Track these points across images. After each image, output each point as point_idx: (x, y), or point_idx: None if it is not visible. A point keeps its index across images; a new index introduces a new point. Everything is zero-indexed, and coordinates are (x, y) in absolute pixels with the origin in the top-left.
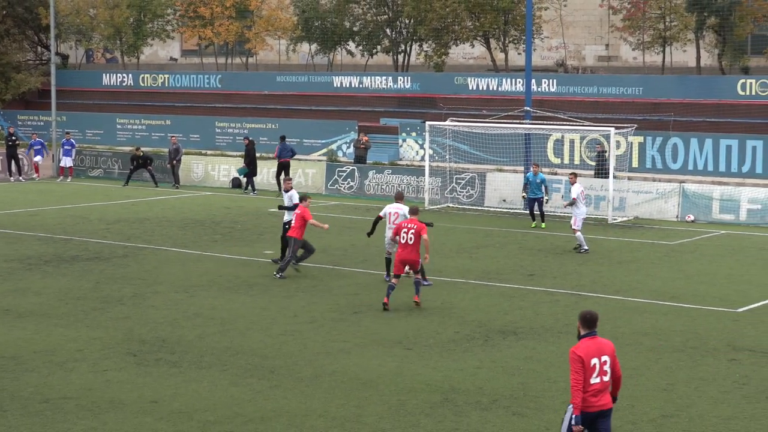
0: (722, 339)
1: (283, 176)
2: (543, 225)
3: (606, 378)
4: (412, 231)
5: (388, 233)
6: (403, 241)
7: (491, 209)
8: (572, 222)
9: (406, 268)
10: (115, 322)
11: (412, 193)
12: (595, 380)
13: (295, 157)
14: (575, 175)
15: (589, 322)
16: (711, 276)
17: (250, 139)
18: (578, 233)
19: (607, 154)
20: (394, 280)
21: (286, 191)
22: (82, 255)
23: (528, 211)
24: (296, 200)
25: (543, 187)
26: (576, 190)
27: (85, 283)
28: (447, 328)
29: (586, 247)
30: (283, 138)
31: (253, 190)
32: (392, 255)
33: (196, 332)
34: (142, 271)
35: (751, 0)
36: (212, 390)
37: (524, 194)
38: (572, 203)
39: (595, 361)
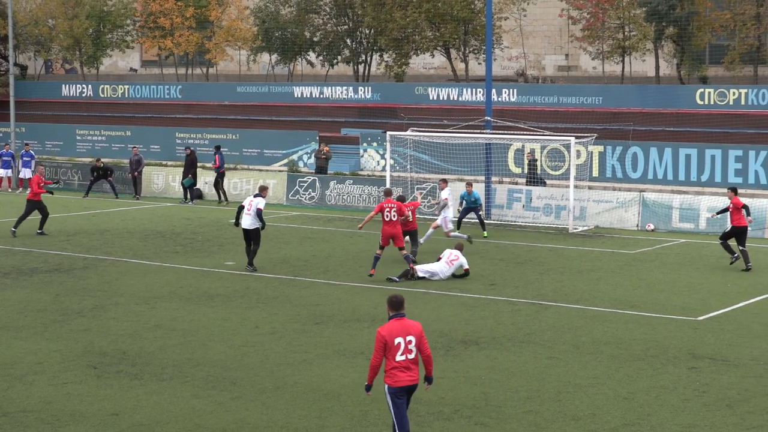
0: (682, 347)
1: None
2: (485, 234)
3: (411, 356)
4: (394, 209)
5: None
6: (387, 219)
7: (453, 220)
8: (443, 226)
9: (391, 242)
10: (75, 335)
11: (373, 203)
12: (400, 357)
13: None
14: (445, 181)
15: (396, 304)
16: (671, 285)
17: (192, 149)
18: (453, 233)
19: (537, 162)
20: (379, 251)
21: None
22: (42, 267)
23: (458, 219)
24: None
25: (478, 205)
26: (445, 194)
27: (44, 295)
28: None
29: (464, 235)
30: (218, 147)
31: (192, 200)
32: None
33: (157, 344)
34: (103, 283)
35: (708, 10)
36: (173, 402)
37: (459, 208)
38: (444, 206)
39: (399, 340)
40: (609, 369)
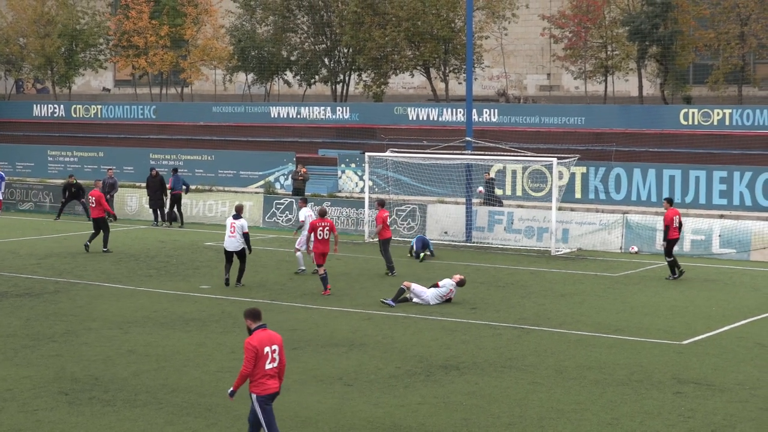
0: (667, 372)
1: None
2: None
3: (275, 365)
4: (327, 228)
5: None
6: (320, 237)
7: (432, 241)
8: (297, 243)
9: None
10: (46, 360)
11: (351, 226)
12: (269, 366)
13: (189, 191)
14: (305, 200)
15: (257, 315)
16: (655, 308)
17: (157, 170)
18: (298, 253)
19: (494, 183)
20: (321, 270)
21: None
22: (12, 291)
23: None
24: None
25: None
26: (304, 213)
27: (14, 320)
28: (388, 364)
29: (302, 268)
30: (175, 170)
31: (163, 221)
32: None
33: (130, 369)
34: (75, 307)
35: (692, 29)
36: (147, 429)
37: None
38: (301, 227)
39: (267, 349)
40: (592, 394)
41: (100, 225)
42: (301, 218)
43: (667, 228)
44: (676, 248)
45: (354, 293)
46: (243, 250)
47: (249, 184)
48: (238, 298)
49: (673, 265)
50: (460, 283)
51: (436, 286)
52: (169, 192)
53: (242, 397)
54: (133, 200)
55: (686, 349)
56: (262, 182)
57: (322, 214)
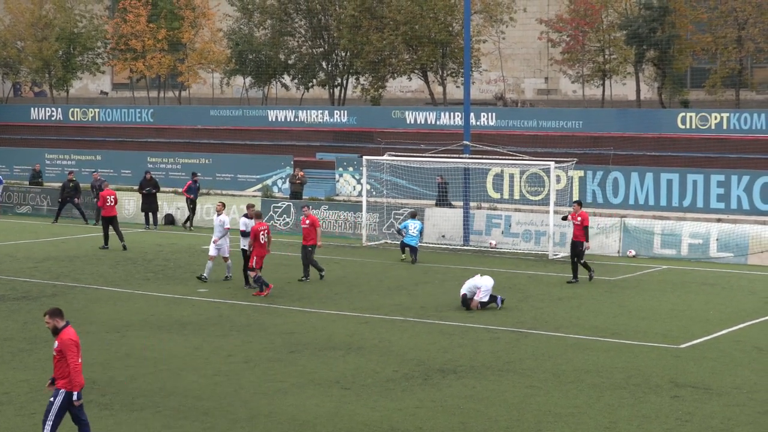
0: (665, 376)
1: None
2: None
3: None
4: (266, 231)
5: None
6: (262, 241)
7: (430, 245)
8: (217, 251)
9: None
10: (43, 364)
11: (349, 229)
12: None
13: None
14: (223, 204)
15: (61, 313)
16: (653, 312)
17: (151, 174)
18: (210, 262)
19: (447, 186)
20: (256, 273)
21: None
22: (10, 294)
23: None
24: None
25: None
26: (223, 219)
27: (12, 323)
28: (386, 367)
29: (205, 275)
30: (195, 174)
31: (155, 224)
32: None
33: (127, 373)
34: (72, 311)
35: (690, 33)
36: None
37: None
38: (224, 235)
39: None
40: (590, 398)
41: (115, 222)
42: (242, 226)
43: (566, 220)
44: (672, 252)
45: (351, 297)
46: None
47: (247, 188)
48: (235, 301)
49: (578, 269)
50: (258, 215)
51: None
52: (187, 199)
53: (239, 398)
54: (131, 204)
55: (684, 352)
56: (259, 186)
57: (259, 216)
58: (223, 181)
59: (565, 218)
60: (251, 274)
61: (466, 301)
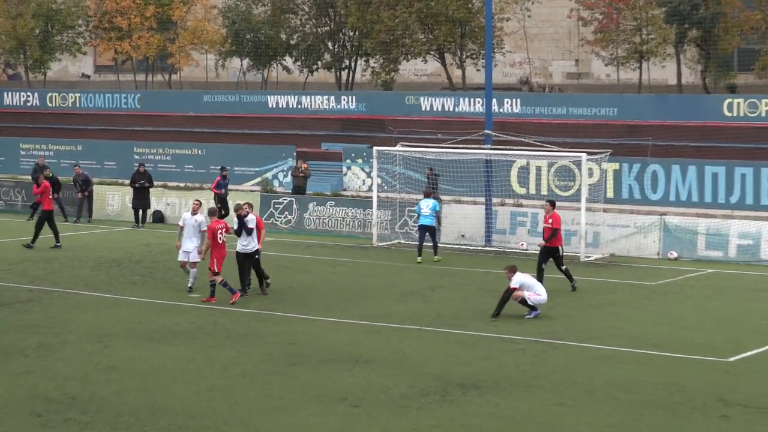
0: (711, 393)
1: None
2: (436, 258)
3: None
4: (223, 230)
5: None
6: (220, 241)
7: (448, 246)
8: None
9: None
10: (16, 378)
11: (357, 228)
12: None
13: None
14: (200, 203)
15: None
16: (697, 321)
17: (145, 166)
18: (193, 270)
19: (437, 179)
20: (219, 278)
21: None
22: None
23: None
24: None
25: (435, 215)
26: (200, 221)
27: None
28: (399, 382)
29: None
30: (224, 169)
31: (143, 223)
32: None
33: (111, 388)
34: (49, 318)
35: (737, 11)
36: None
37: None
38: (201, 239)
39: None
40: (626, 417)
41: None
42: (251, 225)
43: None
44: (718, 254)
45: (360, 303)
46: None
47: (244, 182)
48: (230, 308)
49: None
50: (212, 212)
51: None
52: (214, 193)
53: (236, 416)
54: (115, 199)
55: (733, 367)
56: (258, 179)
57: (214, 213)
58: (217, 173)
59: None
60: (216, 279)
61: (509, 291)
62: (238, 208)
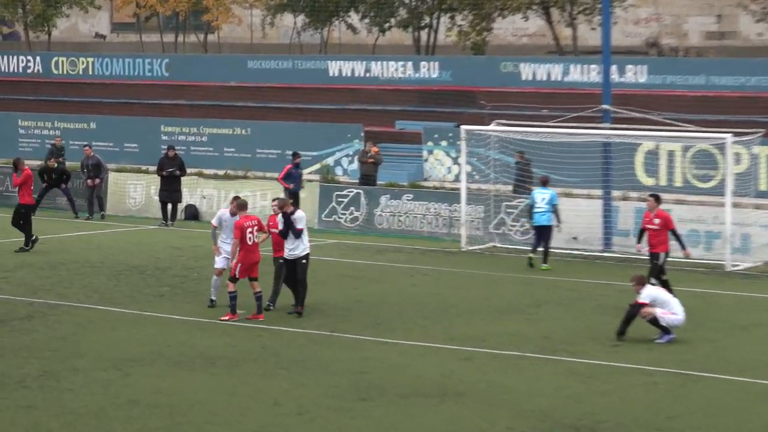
0: None
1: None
2: (544, 267)
3: None
4: (255, 228)
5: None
6: (250, 243)
7: (556, 251)
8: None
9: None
10: (13, 414)
11: (442, 228)
12: None
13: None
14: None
15: None
16: None
17: (175, 150)
18: (216, 279)
19: (530, 166)
20: (232, 286)
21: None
22: None
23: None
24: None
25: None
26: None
27: None
28: (496, 422)
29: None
30: (296, 156)
31: (173, 220)
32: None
33: (132, 428)
34: (55, 339)
35: None
36: None
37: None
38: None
39: None
40: None
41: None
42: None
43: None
44: None
45: (446, 322)
46: (306, 257)
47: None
48: (283, 328)
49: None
50: (242, 206)
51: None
52: (285, 189)
53: None
54: (137, 190)
55: None
56: (317, 166)
57: (244, 207)
58: (266, 159)
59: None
60: (228, 287)
61: (637, 307)
62: (283, 204)
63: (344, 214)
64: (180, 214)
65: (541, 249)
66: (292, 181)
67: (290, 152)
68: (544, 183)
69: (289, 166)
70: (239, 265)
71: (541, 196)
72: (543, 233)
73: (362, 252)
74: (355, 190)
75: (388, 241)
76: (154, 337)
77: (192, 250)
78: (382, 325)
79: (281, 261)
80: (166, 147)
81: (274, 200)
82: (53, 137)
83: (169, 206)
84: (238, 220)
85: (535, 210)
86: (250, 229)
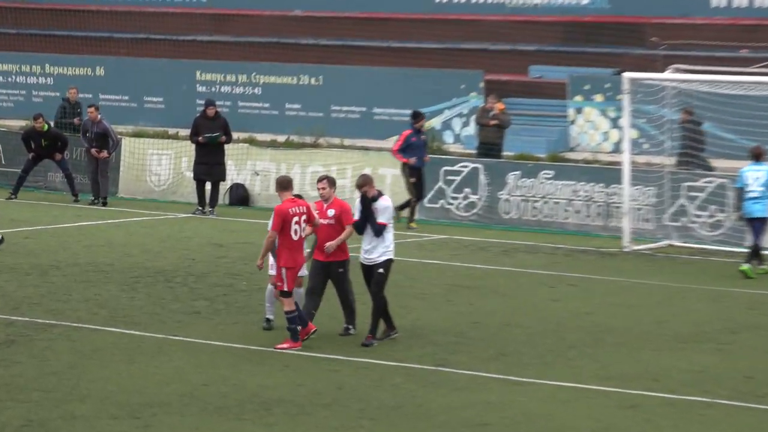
0: None
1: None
2: (757, 268)
3: None
4: (304, 217)
5: None
6: (295, 237)
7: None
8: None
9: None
10: None
11: (595, 220)
12: None
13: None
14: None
15: None
16: None
17: (216, 107)
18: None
19: (700, 126)
20: (290, 303)
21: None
22: None
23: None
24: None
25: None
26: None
27: None
28: None
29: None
30: (418, 117)
31: (213, 205)
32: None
33: None
34: (46, 375)
35: None
36: None
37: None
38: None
39: None
40: None
41: None
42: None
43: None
44: None
45: (601, 353)
46: (389, 262)
47: (391, 134)
48: (368, 359)
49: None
50: (283, 185)
51: None
52: (403, 165)
53: None
54: (163, 163)
55: None
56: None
57: (288, 186)
58: (344, 120)
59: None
60: (285, 304)
61: None
62: (365, 182)
63: (456, 198)
64: (223, 198)
65: (749, 245)
66: (413, 152)
67: (408, 113)
68: (757, 156)
69: (407, 132)
70: (286, 270)
71: (754, 174)
72: (760, 227)
73: (481, 253)
74: (472, 165)
75: (517, 237)
76: (186, 373)
77: (239, 248)
78: (509, 358)
79: (337, 265)
80: (203, 103)
81: (320, 180)
82: (46, 87)
83: (208, 186)
84: (280, 205)
85: (748, 197)
86: (296, 219)
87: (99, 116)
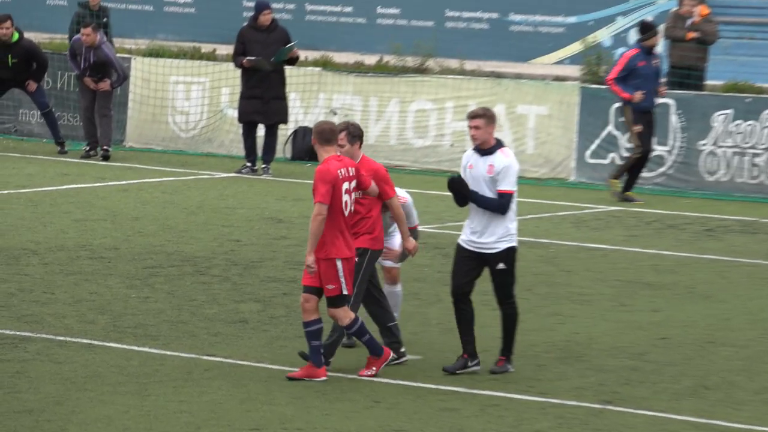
0: None
1: None
2: None
3: None
4: (354, 183)
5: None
6: (347, 211)
7: None
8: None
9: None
10: None
11: None
12: None
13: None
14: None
15: None
16: None
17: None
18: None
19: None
20: (346, 313)
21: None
22: None
23: None
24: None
25: None
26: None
27: None
28: None
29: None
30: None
31: (267, 161)
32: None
33: None
34: (17, 414)
35: None
36: None
37: None
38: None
39: None
40: None
41: None
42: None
43: None
44: None
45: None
46: (511, 251)
47: (535, 55)
48: (499, 393)
49: None
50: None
51: None
52: (623, 102)
53: None
54: (193, 97)
55: None
56: (573, 48)
57: (329, 136)
58: (466, 32)
59: None
60: (334, 316)
61: None
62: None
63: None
64: (284, 149)
65: None
66: (639, 84)
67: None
68: None
69: (631, 52)
70: (342, 263)
71: None
72: None
73: (672, 233)
74: (659, 101)
75: (727, 209)
76: (227, 411)
77: (303, 223)
78: (714, 392)
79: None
80: (253, 6)
81: (342, 129)
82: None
83: (261, 131)
84: (322, 165)
85: None
86: (346, 185)
87: (99, 38)
